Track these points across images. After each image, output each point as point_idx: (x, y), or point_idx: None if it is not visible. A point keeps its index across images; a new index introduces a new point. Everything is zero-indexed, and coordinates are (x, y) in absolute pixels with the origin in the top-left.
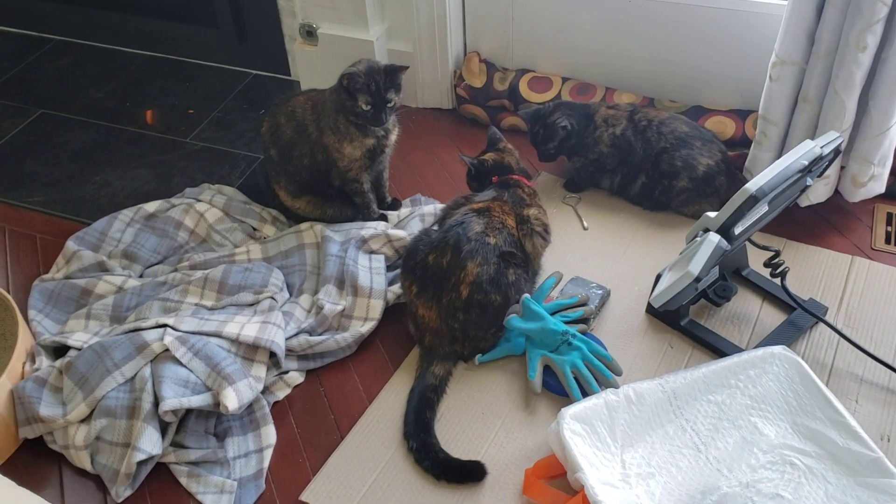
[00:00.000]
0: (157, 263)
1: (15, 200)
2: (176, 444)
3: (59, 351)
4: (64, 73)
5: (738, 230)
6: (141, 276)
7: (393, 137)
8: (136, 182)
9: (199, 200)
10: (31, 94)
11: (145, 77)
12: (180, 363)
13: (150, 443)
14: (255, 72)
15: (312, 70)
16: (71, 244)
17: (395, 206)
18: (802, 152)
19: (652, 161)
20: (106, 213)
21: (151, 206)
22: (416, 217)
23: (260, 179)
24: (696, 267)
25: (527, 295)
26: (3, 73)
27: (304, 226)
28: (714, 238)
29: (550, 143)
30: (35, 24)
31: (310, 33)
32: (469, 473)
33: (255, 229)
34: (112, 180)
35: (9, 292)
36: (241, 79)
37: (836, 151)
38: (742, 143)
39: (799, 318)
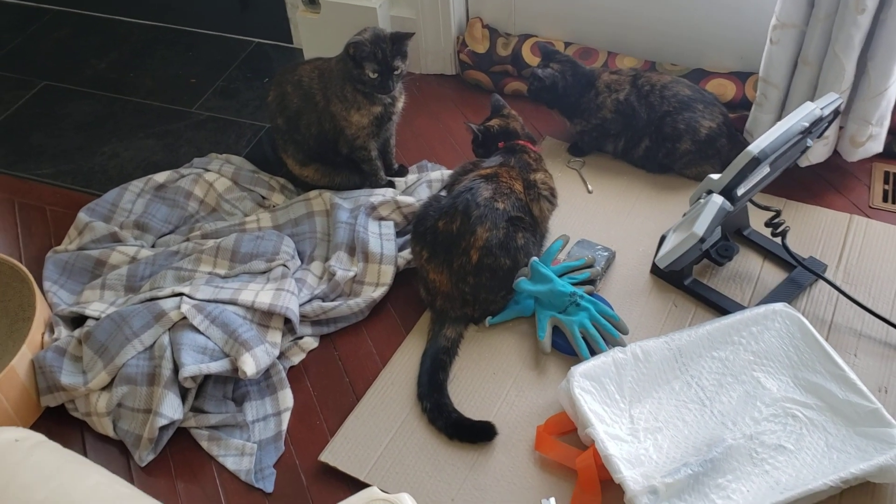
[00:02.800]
0: (168, 233)
1: (23, 173)
2: (196, 410)
3: (76, 321)
4: (64, 43)
5: (740, 191)
6: (153, 246)
7: (400, 105)
8: (144, 152)
9: (208, 170)
10: (33, 65)
11: (146, 47)
12: (198, 331)
13: (171, 408)
14: (257, 40)
15: (315, 38)
16: (83, 215)
17: (402, 172)
18: (803, 114)
19: (655, 125)
20: (115, 184)
21: (161, 177)
22: (423, 183)
23: (266, 148)
24: (700, 228)
25: (535, 258)
26: (3, 44)
27: (312, 194)
28: (717, 199)
29: (537, 83)
30: None
31: (312, 1)
32: (480, 433)
33: (264, 198)
34: (119, 151)
35: (22, 264)
36: (244, 47)
37: (836, 112)
38: (742, 105)
39: (799, 276)
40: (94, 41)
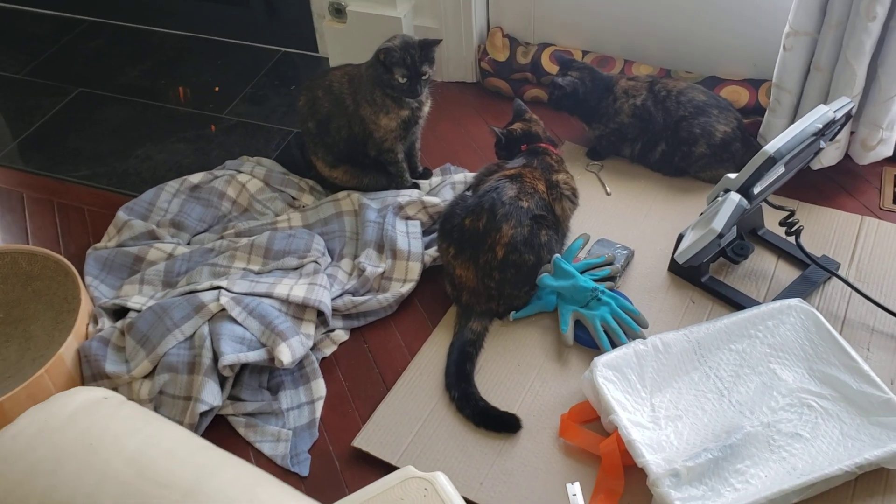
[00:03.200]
0: (203, 232)
1: (61, 175)
2: (233, 398)
3: (118, 313)
4: (99, 52)
5: (756, 190)
6: (189, 244)
7: (426, 109)
8: (177, 156)
9: (241, 172)
10: (69, 73)
11: (178, 56)
12: (236, 322)
13: (211, 395)
14: (283, 49)
15: (341, 47)
16: (121, 214)
17: (427, 174)
18: (817, 116)
19: (672, 129)
20: (149, 186)
21: (195, 178)
22: (447, 185)
23: (295, 152)
24: (718, 224)
25: (558, 255)
26: (39, 53)
27: (341, 194)
28: (735, 197)
29: (557, 91)
30: (69, 6)
31: (339, 11)
32: (506, 425)
33: (294, 198)
34: (153, 154)
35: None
36: (271, 56)
37: (848, 115)
38: (755, 111)
39: (813, 274)
40: (126, 50)
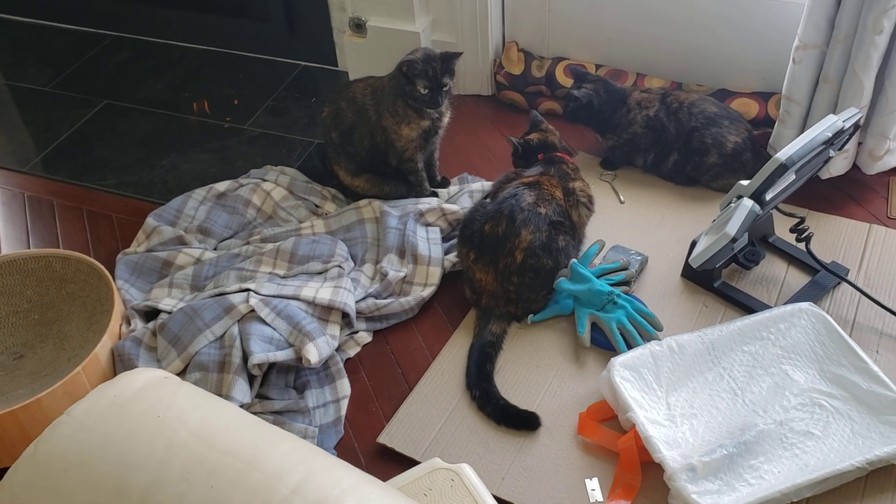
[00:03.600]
0: (229, 238)
1: (90, 183)
2: (261, 396)
3: (149, 315)
4: (123, 66)
5: (768, 196)
6: (215, 249)
7: (446, 119)
8: (201, 165)
9: (265, 180)
10: (94, 86)
11: (200, 69)
12: (265, 322)
13: (241, 392)
14: (304, 63)
15: (360, 61)
16: (150, 220)
17: (445, 184)
18: (827, 125)
19: (684, 139)
20: (174, 195)
21: (221, 186)
22: (465, 193)
23: (316, 162)
24: (732, 228)
25: (574, 260)
26: (65, 67)
27: (362, 202)
28: (748, 203)
29: (573, 103)
30: (92, 21)
31: (359, 26)
32: (526, 422)
33: (317, 206)
34: (178, 164)
35: None
36: (291, 70)
37: (856, 126)
38: (765, 122)
39: (823, 279)
40: (150, 64)
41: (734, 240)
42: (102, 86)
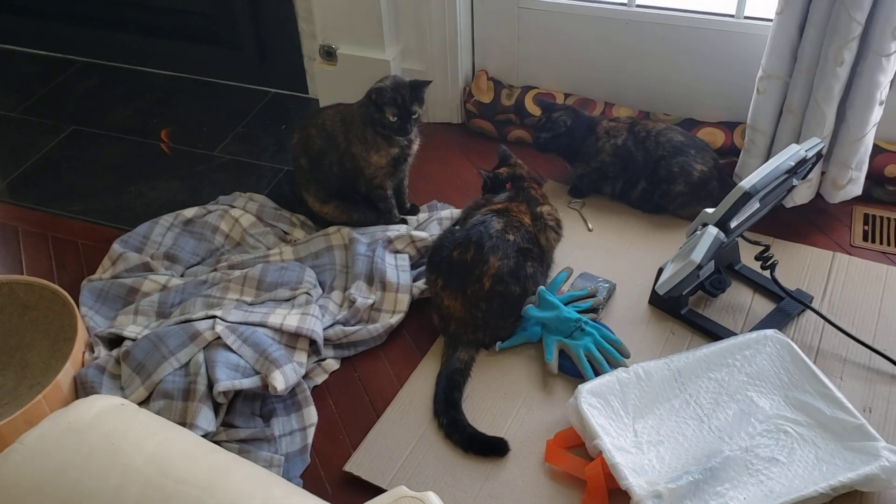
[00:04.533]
0: (196, 264)
1: (56, 209)
2: (226, 425)
3: (113, 343)
4: (92, 92)
5: (733, 224)
6: (182, 276)
7: (415, 147)
8: (169, 192)
9: (234, 206)
10: (63, 112)
11: (169, 96)
12: (231, 349)
13: (206, 420)
14: (274, 90)
15: (330, 88)
16: (117, 246)
17: (414, 211)
18: (789, 154)
19: (651, 168)
20: (142, 221)
21: (189, 212)
22: (434, 220)
23: (286, 188)
24: (697, 255)
25: (542, 287)
26: (33, 93)
27: (331, 229)
28: (713, 230)
29: (544, 133)
30: (61, 47)
31: (329, 53)
32: (494, 448)
33: (285, 233)
34: (146, 191)
35: None
36: (262, 97)
37: (819, 155)
38: (731, 152)
39: (787, 306)
40: (119, 90)
41: (699, 267)
42: (70, 112)
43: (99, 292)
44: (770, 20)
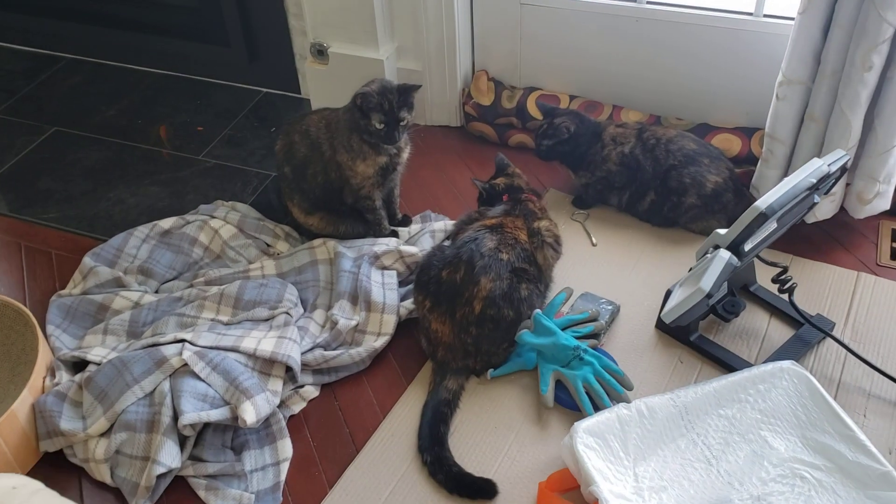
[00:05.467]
0: (172, 279)
1: (30, 217)
2: (194, 458)
3: (78, 366)
4: (76, 90)
5: (747, 247)
6: (157, 292)
7: (405, 155)
8: (150, 199)
9: (214, 217)
10: (45, 111)
11: (157, 95)
12: (199, 378)
13: (169, 456)
14: (265, 90)
15: (323, 88)
16: (88, 260)
17: (406, 222)
18: (810, 170)
19: (661, 178)
20: (120, 230)
21: (166, 223)
22: (426, 233)
23: (272, 196)
24: (707, 283)
25: (538, 310)
26: (16, 91)
27: (316, 242)
28: (724, 255)
29: (546, 140)
30: (47, 43)
31: (320, 52)
32: (481, 490)
33: (268, 245)
34: (125, 197)
35: (26, 307)
36: (252, 97)
37: (843, 169)
38: (748, 160)
39: (806, 334)
40: (105, 88)
41: (709, 296)
42: (53, 111)
43: (67, 309)
44: (792, 19)
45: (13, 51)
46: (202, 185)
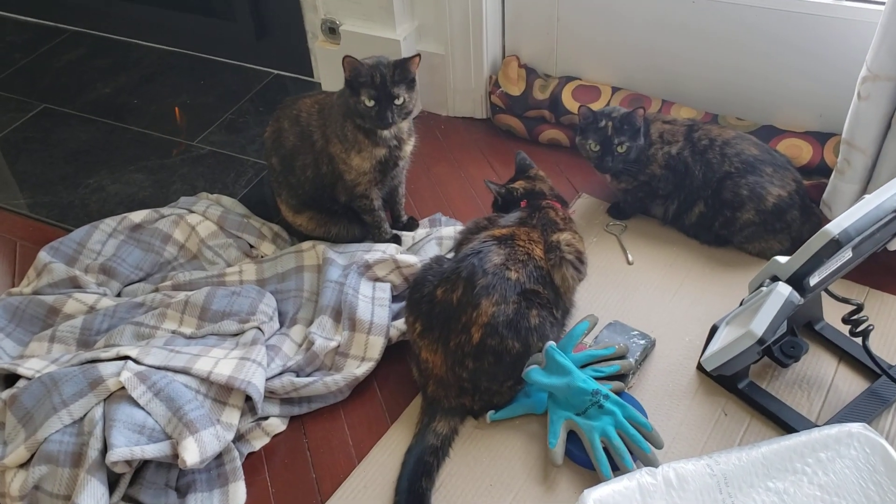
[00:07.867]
0: (138, 281)
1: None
2: (129, 499)
3: (10, 378)
4: (74, 65)
5: (813, 281)
6: (119, 295)
7: (408, 148)
8: (132, 187)
9: (192, 212)
10: (36, 86)
11: (158, 73)
12: (137, 404)
13: (92, 498)
14: (275, 71)
15: (334, 70)
16: (43, 255)
17: (411, 226)
18: None
19: (713, 187)
20: (94, 220)
21: (138, 216)
22: (432, 240)
23: (267, 190)
24: (759, 326)
25: (552, 343)
26: (12, 63)
27: (305, 245)
28: (784, 290)
29: (618, 139)
30: (52, 14)
31: (332, 30)
32: None
33: (252, 247)
34: (106, 184)
35: None
36: (260, 78)
37: None
38: (819, 171)
39: (883, 388)
40: (104, 63)
41: (762, 341)
42: (45, 87)
43: (14, 310)
44: (882, 3)
45: (17, 21)
46: (191, 173)
